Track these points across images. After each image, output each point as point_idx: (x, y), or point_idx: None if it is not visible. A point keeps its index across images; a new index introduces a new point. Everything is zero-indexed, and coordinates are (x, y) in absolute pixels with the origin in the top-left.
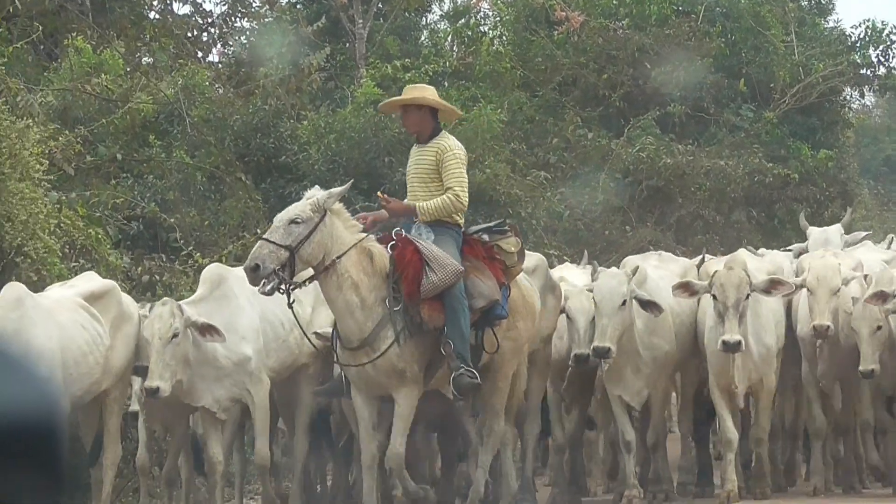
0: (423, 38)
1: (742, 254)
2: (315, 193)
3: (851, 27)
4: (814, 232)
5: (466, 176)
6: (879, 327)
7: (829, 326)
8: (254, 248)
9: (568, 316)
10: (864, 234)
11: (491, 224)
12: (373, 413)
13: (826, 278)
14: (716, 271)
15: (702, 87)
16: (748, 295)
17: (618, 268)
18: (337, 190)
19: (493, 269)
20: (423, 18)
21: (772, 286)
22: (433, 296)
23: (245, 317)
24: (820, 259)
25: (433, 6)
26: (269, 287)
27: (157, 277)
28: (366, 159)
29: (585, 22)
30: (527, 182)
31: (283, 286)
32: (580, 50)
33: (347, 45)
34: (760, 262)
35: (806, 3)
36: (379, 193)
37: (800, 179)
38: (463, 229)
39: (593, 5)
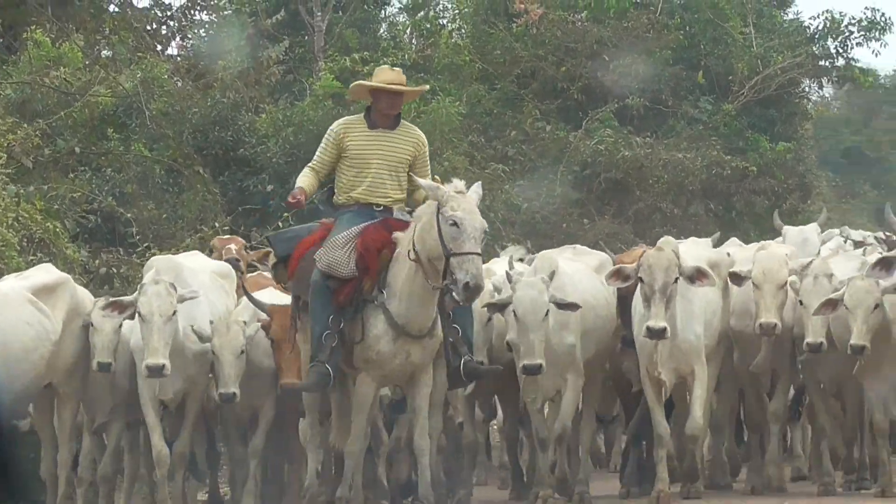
0: (381, 30)
1: (669, 240)
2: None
3: (810, 18)
4: (790, 231)
5: None
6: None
7: (776, 324)
8: (476, 265)
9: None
10: (837, 231)
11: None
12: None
13: (772, 272)
14: (643, 252)
15: (660, 80)
16: (676, 279)
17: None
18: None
19: None
20: (382, 11)
21: (697, 275)
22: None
23: (201, 309)
24: (766, 252)
25: None
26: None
27: (115, 270)
28: None
29: (544, 14)
30: (485, 174)
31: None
32: (539, 42)
33: (306, 37)
34: (748, 253)
35: None
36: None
37: (758, 171)
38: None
39: None
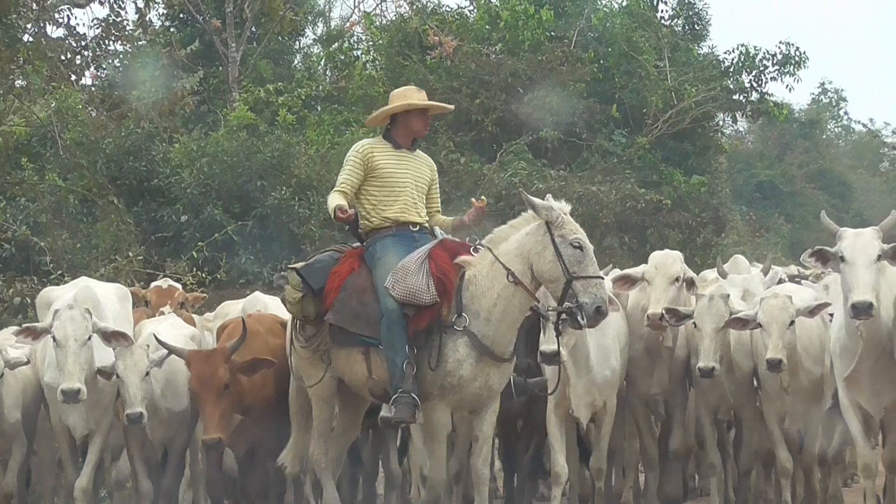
0: (296, 61)
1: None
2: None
3: (725, 52)
4: (734, 280)
5: None
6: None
7: (662, 314)
8: (603, 289)
9: None
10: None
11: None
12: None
13: (665, 266)
14: None
15: (574, 113)
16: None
17: None
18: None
19: None
20: (297, 42)
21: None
22: None
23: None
24: (660, 253)
25: (307, 30)
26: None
27: (29, 300)
28: (238, 182)
29: (458, 47)
30: None
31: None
32: (453, 75)
33: (221, 68)
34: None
35: (680, 28)
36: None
37: (672, 205)
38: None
39: (467, 30)
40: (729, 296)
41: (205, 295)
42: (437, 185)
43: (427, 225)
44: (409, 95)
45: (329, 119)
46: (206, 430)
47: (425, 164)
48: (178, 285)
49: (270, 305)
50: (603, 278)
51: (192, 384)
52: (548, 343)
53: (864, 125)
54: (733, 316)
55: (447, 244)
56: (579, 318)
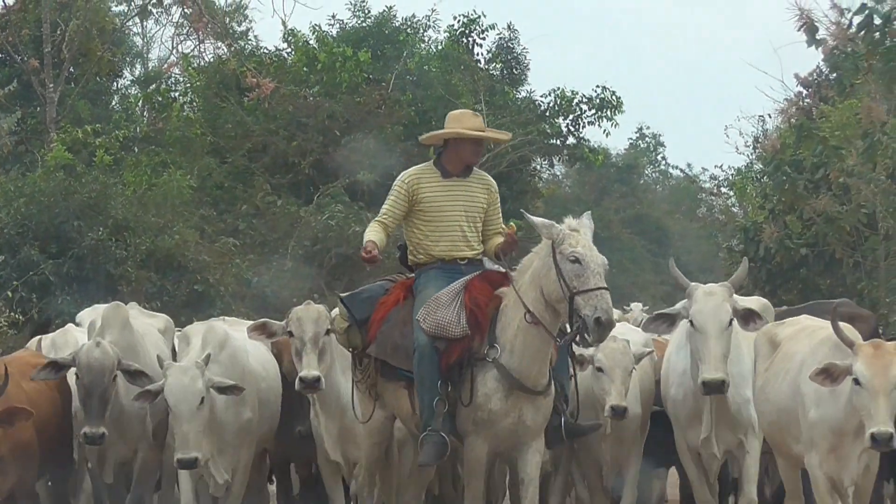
0: (114, 102)
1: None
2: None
3: (541, 96)
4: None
5: None
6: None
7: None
8: (606, 300)
9: None
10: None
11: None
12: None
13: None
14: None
15: (391, 156)
16: (328, 330)
17: None
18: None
19: None
20: (115, 83)
21: None
22: None
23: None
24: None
25: (125, 71)
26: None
27: None
28: (55, 223)
29: (276, 89)
30: (216, 248)
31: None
32: (270, 117)
33: (39, 108)
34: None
35: (498, 73)
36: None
37: None
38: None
39: (284, 72)
40: (629, 341)
41: None
42: (498, 206)
43: (479, 258)
44: (463, 120)
45: (146, 160)
46: None
47: (480, 186)
48: None
49: (81, 340)
50: (607, 289)
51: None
52: (307, 368)
53: (681, 170)
54: None
55: (488, 275)
56: (586, 335)
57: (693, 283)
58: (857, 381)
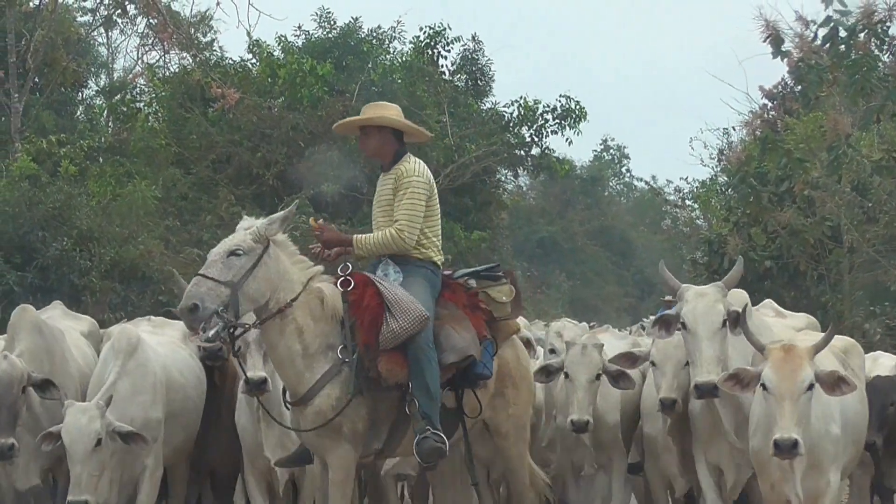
0: (79, 112)
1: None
2: (254, 223)
3: (505, 106)
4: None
5: (423, 208)
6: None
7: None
8: (189, 286)
9: None
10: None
11: (480, 268)
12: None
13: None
14: None
15: (355, 167)
16: None
17: None
18: (279, 215)
19: (474, 319)
20: (80, 93)
21: None
22: (394, 346)
23: None
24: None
25: (90, 81)
26: (212, 332)
27: None
28: (19, 233)
29: (241, 100)
30: (180, 259)
31: (227, 330)
32: (235, 128)
33: (3, 118)
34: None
35: (462, 84)
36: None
37: (453, 260)
38: (450, 272)
39: (249, 83)
40: (603, 345)
41: None
42: (402, 194)
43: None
44: (365, 111)
45: (111, 171)
46: None
47: (392, 178)
48: None
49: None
50: (199, 274)
51: None
52: (252, 369)
53: (646, 182)
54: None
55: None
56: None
57: (684, 285)
58: (764, 386)
